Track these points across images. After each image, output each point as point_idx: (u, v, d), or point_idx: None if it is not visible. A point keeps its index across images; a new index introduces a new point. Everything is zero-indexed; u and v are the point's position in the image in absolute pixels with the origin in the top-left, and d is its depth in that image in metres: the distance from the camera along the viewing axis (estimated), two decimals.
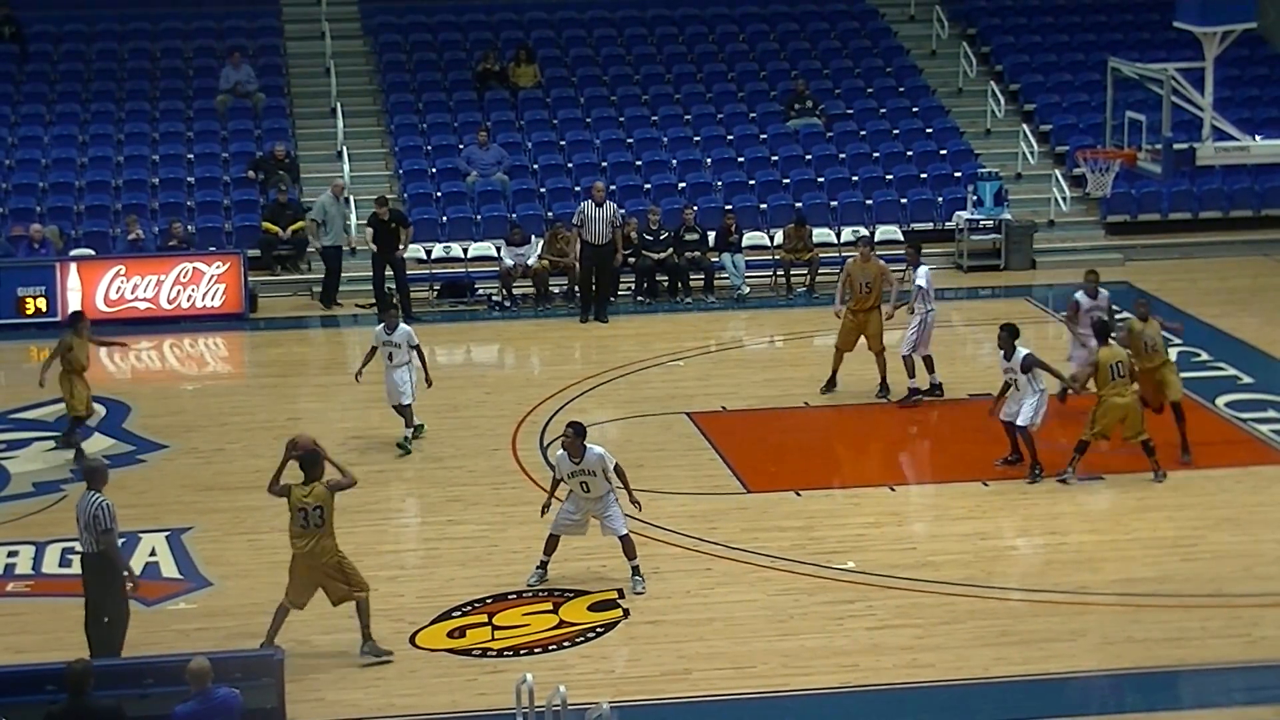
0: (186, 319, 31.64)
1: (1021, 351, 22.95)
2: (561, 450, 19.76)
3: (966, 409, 26.10)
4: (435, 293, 33.19)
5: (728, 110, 38.21)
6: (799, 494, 22.83)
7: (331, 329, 31.95)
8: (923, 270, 26.51)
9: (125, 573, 17.79)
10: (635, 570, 19.81)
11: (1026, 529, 21.62)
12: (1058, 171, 36.70)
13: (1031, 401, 22.80)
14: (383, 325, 24.89)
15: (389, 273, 31.56)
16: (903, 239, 34.45)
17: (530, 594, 19.66)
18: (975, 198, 35.01)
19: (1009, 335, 23.11)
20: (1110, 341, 22.98)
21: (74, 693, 14.13)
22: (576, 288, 32.22)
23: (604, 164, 36.42)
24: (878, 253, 27.89)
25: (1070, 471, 22.82)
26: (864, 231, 34.58)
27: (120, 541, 20.91)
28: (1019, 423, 22.91)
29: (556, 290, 32.86)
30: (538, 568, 19.92)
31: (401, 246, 31.49)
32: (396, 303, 30.54)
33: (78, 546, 17.72)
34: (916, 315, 26.14)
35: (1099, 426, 22.75)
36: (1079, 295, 25.76)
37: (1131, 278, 33.72)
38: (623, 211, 32.62)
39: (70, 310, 28.65)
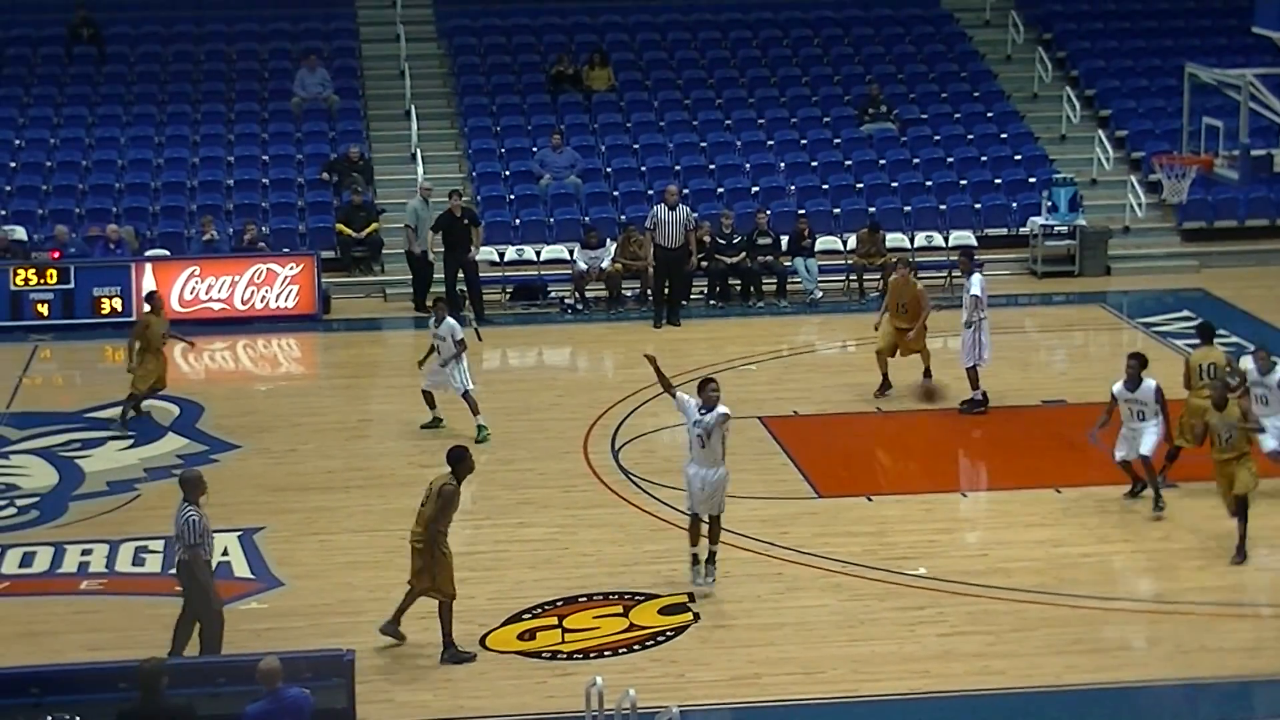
0: (260, 320, 31.78)
1: (1151, 382, 21.76)
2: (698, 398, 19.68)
3: (1039, 415, 25.98)
4: (508, 295, 33.22)
5: (801, 114, 38.15)
6: (870, 499, 22.77)
7: (404, 330, 32.00)
8: (976, 279, 26.08)
9: (207, 591, 17.55)
10: (711, 557, 19.69)
11: (1099, 536, 21.49)
12: (1133, 177, 36.46)
13: (1154, 432, 21.78)
14: (431, 319, 25.12)
15: (461, 274, 31.62)
16: (976, 244, 34.36)
17: (601, 597, 19.65)
18: (1050, 203, 34.82)
19: (1139, 365, 21.83)
20: (1214, 344, 22.68)
21: (146, 691, 14.19)
22: (649, 291, 32.20)
23: (677, 167, 36.40)
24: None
25: (1162, 479, 22.18)
26: (938, 238, 34.52)
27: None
28: (1143, 452, 21.78)
29: (629, 293, 32.87)
30: (692, 565, 19.80)
31: (474, 247, 31.54)
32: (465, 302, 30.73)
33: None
34: (970, 326, 25.83)
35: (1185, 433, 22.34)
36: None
37: (1208, 285, 33.51)
38: (695, 215, 32.61)
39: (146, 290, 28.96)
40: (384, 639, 18.32)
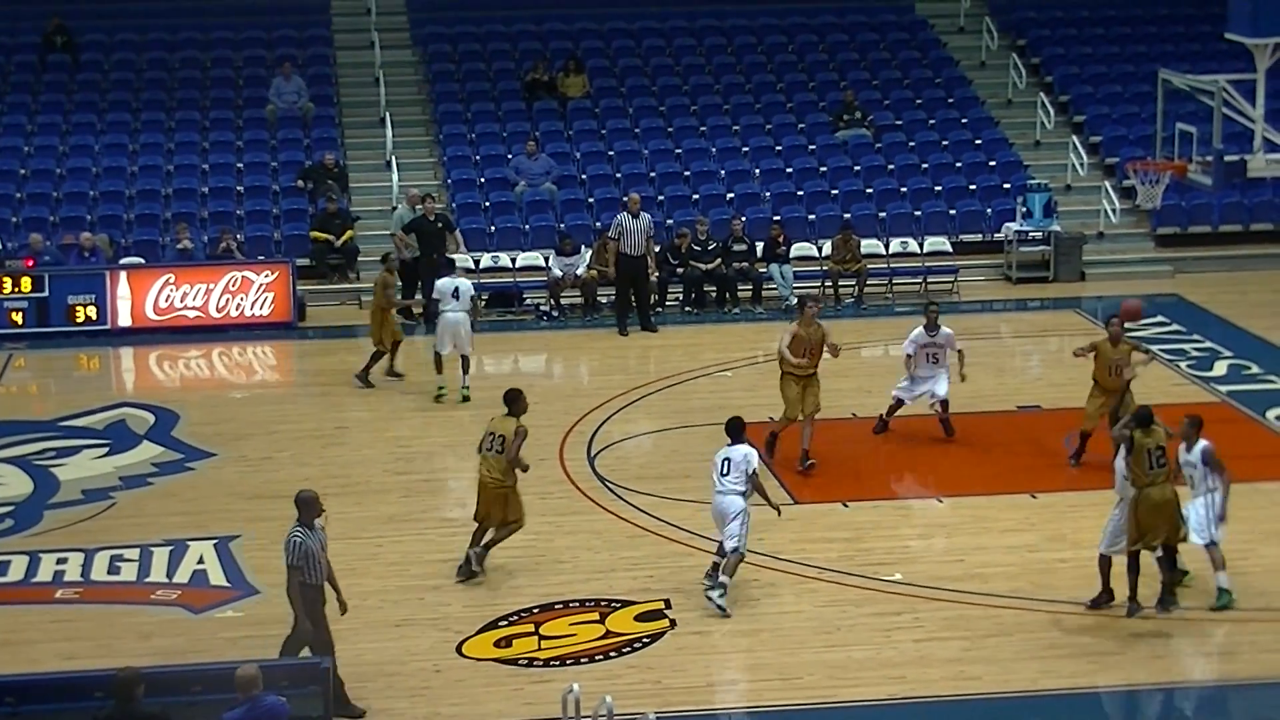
0: (235, 327, 31.72)
1: (1202, 443, 19.41)
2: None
3: (1014, 421, 26.03)
4: (483, 302, 33.18)
5: (776, 121, 38.18)
6: (846, 505, 22.79)
7: None
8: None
9: (297, 616, 17.23)
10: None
11: (1075, 541, 21.49)
12: (1107, 183, 36.55)
13: (1200, 504, 19.45)
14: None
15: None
16: (951, 250, 34.46)
17: (577, 604, 19.65)
18: (1024, 209, 34.89)
19: (1194, 428, 19.44)
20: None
21: (122, 699, 14.17)
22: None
23: (652, 174, 36.43)
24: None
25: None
26: (913, 244, 34.57)
27: (168, 550, 21.13)
28: (1196, 541, 19.28)
29: (605, 300, 32.86)
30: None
31: (458, 246, 31.46)
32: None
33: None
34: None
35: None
36: None
37: (1182, 290, 33.62)
38: (669, 222, 32.58)
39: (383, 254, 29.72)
40: (360, 646, 18.28)
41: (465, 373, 27.36)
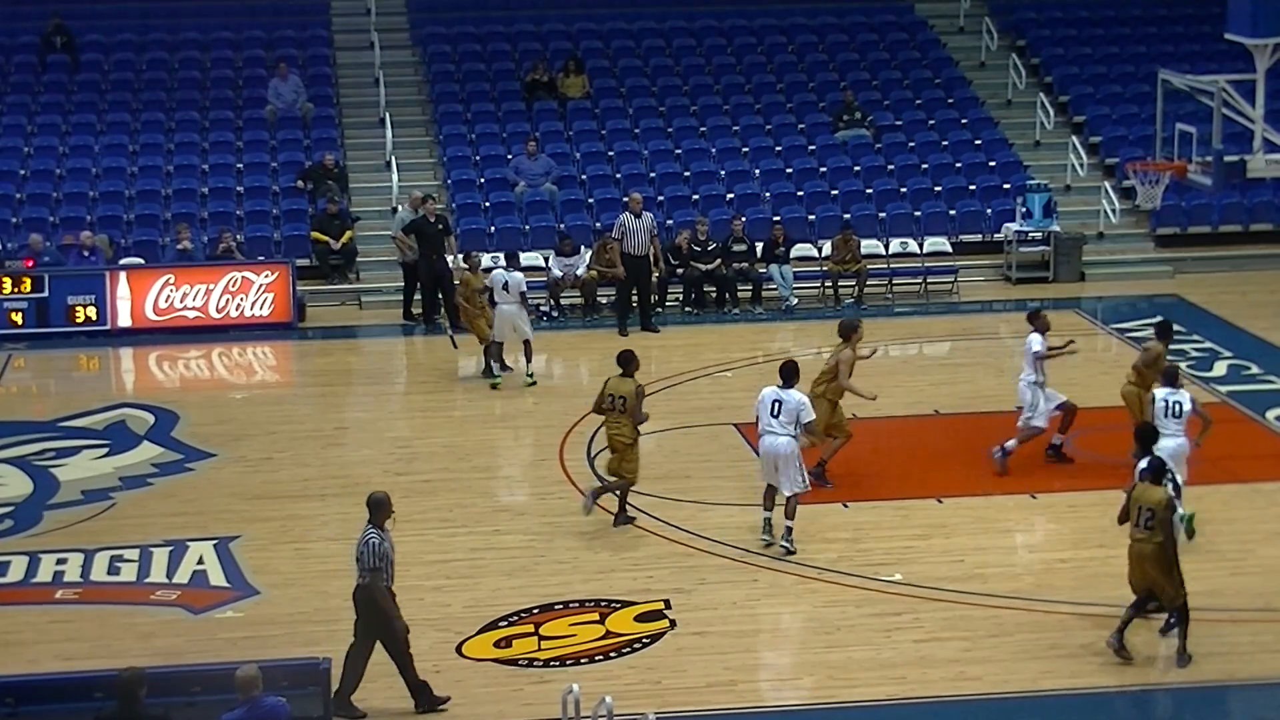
0: (235, 328, 31.71)
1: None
2: None
3: (1014, 421, 25.97)
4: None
5: (776, 121, 38.18)
6: (846, 505, 22.78)
7: (380, 338, 31.98)
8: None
9: (388, 615, 17.18)
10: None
11: (1075, 542, 21.52)
12: (1107, 183, 36.55)
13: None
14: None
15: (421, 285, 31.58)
16: (950, 250, 34.45)
17: (578, 604, 19.65)
18: (1024, 209, 34.89)
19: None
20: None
21: (124, 700, 14.17)
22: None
23: (652, 175, 36.42)
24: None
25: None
26: (913, 244, 34.56)
27: (168, 551, 21.15)
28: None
29: (605, 300, 32.85)
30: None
31: (452, 249, 31.48)
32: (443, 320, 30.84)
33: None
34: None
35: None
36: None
37: (1181, 290, 33.63)
38: (670, 221, 32.56)
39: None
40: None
41: (529, 360, 28.06)
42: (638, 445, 21.78)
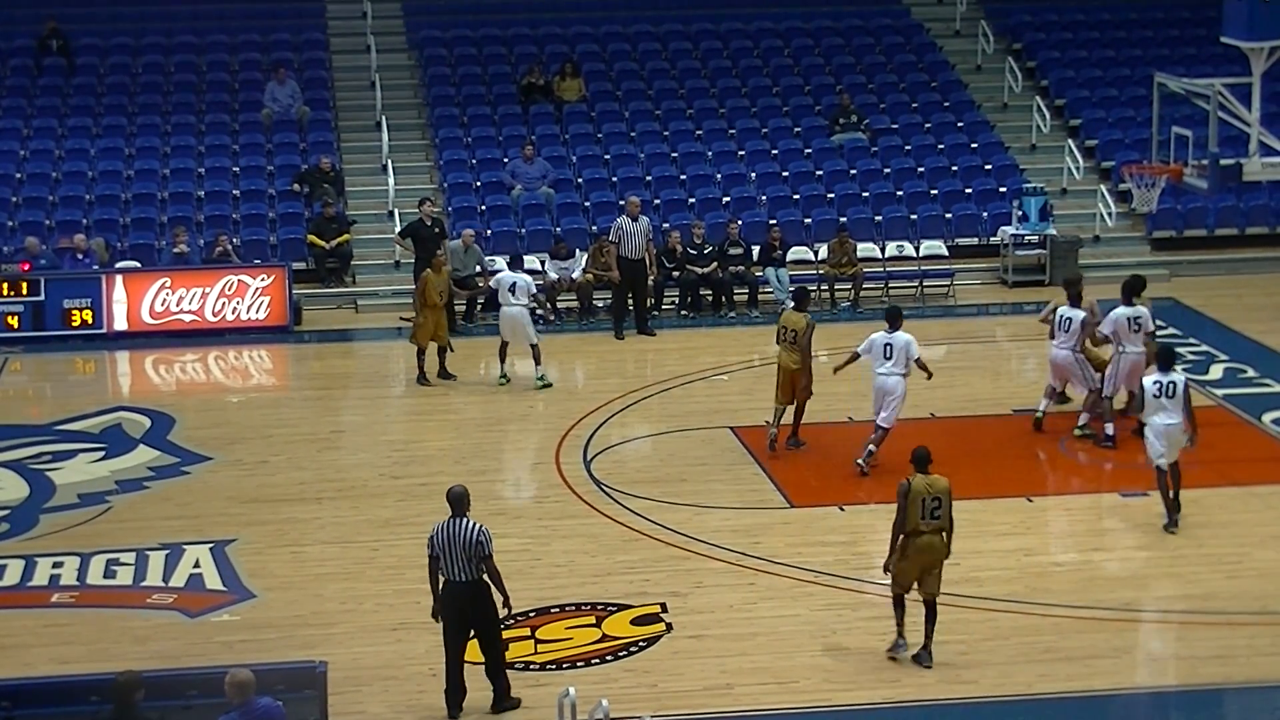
0: (231, 331, 31.68)
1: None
2: None
3: (1010, 424, 26.01)
4: (479, 305, 33.16)
5: (772, 124, 38.19)
6: (843, 509, 22.78)
7: (376, 341, 31.96)
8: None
9: (502, 597, 17.27)
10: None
11: (1070, 545, 21.54)
12: (1103, 186, 36.57)
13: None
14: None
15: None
16: (946, 253, 34.45)
17: (574, 607, 19.65)
18: (1020, 213, 34.89)
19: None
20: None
21: (121, 704, 14.15)
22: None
23: (648, 178, 36.42)
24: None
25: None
26: (909, 247, 34.57)
27: (164, 554, 21.15)
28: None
29: (600, 304, 32.83)
30: None
31: (444, 253, 31.42)
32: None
33: (456, 574, 17.12)
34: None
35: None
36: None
37: (1177, 293, 33.60)
38: (665, 225, 32.53)
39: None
40: (356, 650, 18.29)
41: (537, 362, 28.01)
42: (808, 367, 24.29)
